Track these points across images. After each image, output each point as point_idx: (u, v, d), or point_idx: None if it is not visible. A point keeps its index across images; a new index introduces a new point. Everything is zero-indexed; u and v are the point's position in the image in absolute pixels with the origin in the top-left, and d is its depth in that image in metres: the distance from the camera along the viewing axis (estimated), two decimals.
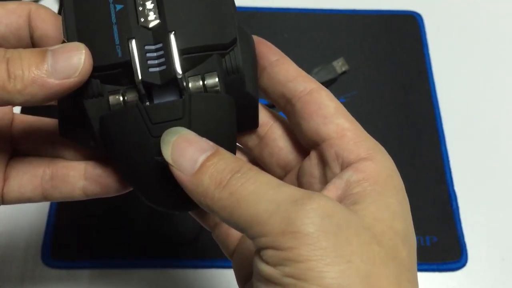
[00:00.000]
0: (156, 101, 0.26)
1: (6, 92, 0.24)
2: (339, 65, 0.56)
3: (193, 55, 0.26)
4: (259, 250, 0.23)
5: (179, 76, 0.25)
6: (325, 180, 0.27)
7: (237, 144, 0.29)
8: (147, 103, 0.25)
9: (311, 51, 0.57)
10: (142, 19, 0.26)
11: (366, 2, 0.61)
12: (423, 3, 0.61)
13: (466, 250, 0.48)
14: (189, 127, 0.25)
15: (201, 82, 0.26)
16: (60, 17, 0.28)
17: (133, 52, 0.25)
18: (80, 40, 0.25)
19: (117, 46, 0.25)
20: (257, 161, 0.30)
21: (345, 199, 0.24)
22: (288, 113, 0.28)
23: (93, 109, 0.26)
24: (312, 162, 0.28)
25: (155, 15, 0.26)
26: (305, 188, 0.27)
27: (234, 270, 0.29)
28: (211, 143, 0.24)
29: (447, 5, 0.62)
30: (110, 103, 0.26)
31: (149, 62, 0.25)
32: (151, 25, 0.26)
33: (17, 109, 0.46)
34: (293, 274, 0.21)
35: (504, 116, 0.55)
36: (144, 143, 0.25)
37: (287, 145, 0.29)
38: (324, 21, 0.59)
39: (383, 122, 0.54)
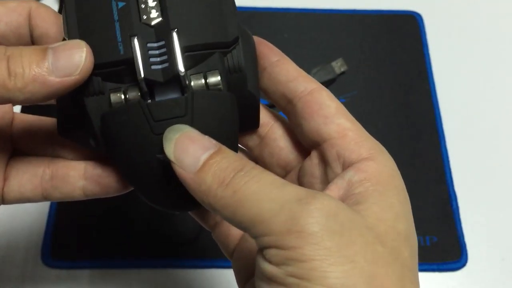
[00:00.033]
0: (157, 99, 0.26)
1: (6, 90, 0.24)
2: (338, 66, 0.56)
3: (195, 53, 0.26)
4: (262, 249, 0.22)
5: (182, 74, 0.25)
6: (326, 180, 0.27)
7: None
8: (149, 101, 0.25)
9: (311, 51, 0.57)
10: (145, 17, 0.26)
11: (366, 2, 0.61)
12: (423, 3, 0.61)
13: (466, 250, 0.48)
14: (192, 124, 0.25)
15: (203, 80, 0.26)
16: (60, 16, 0.28)
17: (135, 49, 0.25)
18: (81, 38, 0.25)
19: (119, 43, 0.25)
20: (257, 161, 0.30)
21: (347, 199, 0.24)
22: (288, 113, 0.28)
23: (94, 107, 0.26)
24: (313, 162, 0.28)
25: (157, 13, 0.26)
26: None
27: (234, 270, 0.29)
28: (213, 141, 0.24)
29: (447, 5, 0.62)
30: (112, 101, 0.26)
31: (151, 59, 0.25)
32: (153, 22, 0.26)
33: (17, 108, 0.46)
34: (297, 273, 0.21)
35: (504, 116, 0.55)
36: (146, 141, 0.25)
37: (287, 145, 0.29)
38: (324, 21, 0.59)
39: (383, 122, 0.54)
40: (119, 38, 0.25)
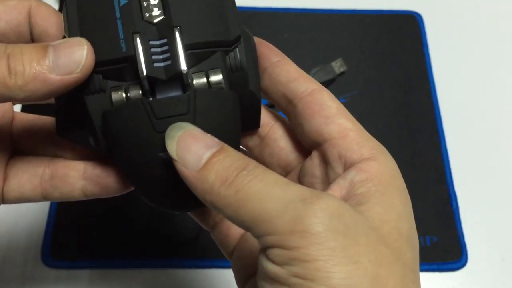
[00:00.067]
0: (159, 98, 0.26)
1: (7, 88, 0.23)
2: (338, 66, 0.56)
3: (198, 51, 0.26)
4: (264, 249, 0.22)
5: (185, 72, 0.25)
6: (327, 180, 0.27)
7: None
8: (151, 99, 0.25)
9: (311, 51, 0.57)
10: (147, 14, 0.25)
11: (366, 2, 0.61)
12: (423, 3, 0.61)
13: (466, 250, 0.48)
14: (194, 123, 0.25)
15: (205, 79, 0.26)
16: (60, 14, 0.28)
17: (137, 47, 0.25)
18: (82, 35, 0.25)
19: (121, 41, 0.25)
20: (257, 162, 0.30)
21: (350, 199, 0.24)
22: (289, 114, 0.28)
23: (94, 106, 0.26)
24: (313, 162, 0.27)
25: (159, 11, 0.26)
26: None
27: (233, 270, 0.29)
28: (216, 139, 0.24)
29: (447, 5, 0.62)
30: (113, 99, 0.25)
31: (154, 57, 0.25)
32: (156, 20, 0.25)
33: (17, 107, 0.46)
34: (300, 274, 0.21)
35: (504, 116, 0.55)
36: (148, 139, 0.25)
37: (288, 145, 0.29)
38: (324, 21, 0.59)
39: (383, 122, 0.54)
40: (121, 36, 0.25)
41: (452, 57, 0.58)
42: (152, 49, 0.25)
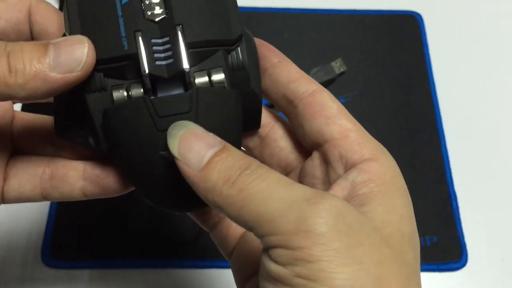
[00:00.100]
0: (161, 96, 0.25)
1: (7, 87, 0.23)
2: (337, 66, 0.56)
3: (199, 49, 0.25)
4: (267, 249, 0.22)
5: (187, 70, 0.25)
6: (327, 181, 0.27)
7: None
8: (152, 97, 0.25)
9: (311, 51, 0.57)
10: (149, 13, 0.25)
11: (366, 2, 0.61)
12: (423, 3, 0.61)
13: (466, 250, 0.48)
14: (196, 121, 0.25)
15: (207, 78, 0.26)
16: (60, 13, 0.28)
17: (139, 45, 0.25)
18: (83, 33, 0.25)
19: (123, 39, 0.25)
20: None
21: (352, 200, 0.24)
22: (289, 114, 0.28)
23: (95, 104, 0.26)
24: (314, 163, 0.27)
25: (161, 9, 0.26)
26: None
27: (232, 271, 0.29)
28: (218, 138, 0.24)
29: (447, 5, 0.62)
30: (114, 97, 0.25)
31: (156, 55, 0.25)
32: (158, 19, 0.25)
33: (17, 106, 0.46)
34: (304, 274, 0.21)
35: (504, 116, 0.55)
36: (150, 137, 0.25)
37: (288, 145, 0.29)
38: (324, 21, 0.59)
39: (383, 122, 0.54)
40: (123, 34, 0.25)
41: (452, 57, 0.58)
42: (154, 47, 0.25)
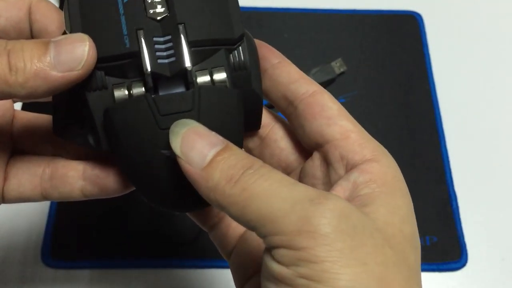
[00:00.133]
0: (162, 94, 0.25)
1: (7, 86, 0.23)
2: (337, 66, 0.56)
3: (201, 48, 0.25)
4: (270, 249, 0.22)
5: (189, 68, 0.25)
6: (328, 182, 0.27)
7: None
8: (154, 95, 0.25)
9: (311, 51, 0.57)
10: (151, 11, 0.25)
11: (366, 2, 0.61)
12: (423, 3, 0.61)
13: (466, 250, 0.48)
14: (198, 120, 0.25)
15: (208, 77, 0.26)
16: (61, 11, 0.28)
17: (142, 43, 0.25)
18: (84, 31, 0.25)
19: (125, 37, 0.25)
20: None
21: (353, 201, 0.24)
22: (289, 115, 0.28)
23: (96, 102, 0.25)
24: (314, 164, 0.27)
25: (163, 8, 0.26)
26: None
27: (231, 271, 0.29)
28: (220, 137, 0.24)
29: (447, 5, 0.62)
30: (115, 96, 0.25)
31: (158, 53, 0.25)
32: (160, 17, 0.25)
33: (18, 105, 0.46)
34: (307, 275, 0.21)
35: (504, 116, 0.55)
36: (151, 136, 0.25)
37: (288, 146, 0.29)
38: (324, 21, 0.59)
39: (383, 122, 0.54)
40: (124, 32, 0.25)
41: (452, 57, 0.58)
42: (156, 46, 0.25)
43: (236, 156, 0.23)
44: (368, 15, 0.60)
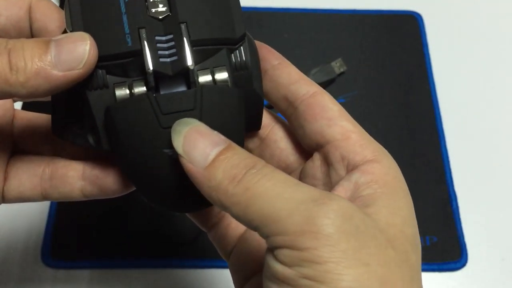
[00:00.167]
0: (164, 93, 0.25)
1: (8, 85, 0.23)
2: (337, 66, 0.56)
3: (203, 47, 0.25)
4: (272, 249, 0.22)
5: (192, 67, 0.25)
6: (329, 182, 0.27)
7: None
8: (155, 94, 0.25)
9: (311, 51, 0.57)
10: (153, 10, 0.25)
11: (366, 2, 0.61)
12: (423, 3, 0.61)
13: (466, 250, 0.48)
14: (200, 119, 0.24)
15: (210, 76, 0.26)
16: (61, 10, 0.28)
17: (144, 41, 0.25)
18: (86, 30, 0.25)
19: (127, 35, 0.25)
20: None
21: (355, 201, 0.24)
22: (289, 116, 0.28)
23: (97, 101, 0.25)
24: (315, 164, 0.27)
25: (165, 7, 0.26)
26: None
27: (231, 272, 0.29)
28: (222, 137, 0.24)
29: (447, 5, 0.62)
30: (116, 95, 0.25)
31: (160, 52, 0.25)
32: (161, 16, 0.25)
33: (18, 104, 0.46)
34: (310, 275, 0.21)
35: (504, 116, 0.55)
36: (153, 135, 0.25)
37: (288, 146, 0.29)
38: (324, 21, 0.59)
39: (383, 122, 0.54)
40: (126, 30, 0.25)
41: (452, 57, 0.58)
42: (158, 45, 0.25)
43: (238, 155, 0.23)
44: (368, 15, 0.60)
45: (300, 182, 0.23)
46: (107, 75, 0.25)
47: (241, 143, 0.26)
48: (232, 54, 0.26)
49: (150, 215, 0.48)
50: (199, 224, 0.31)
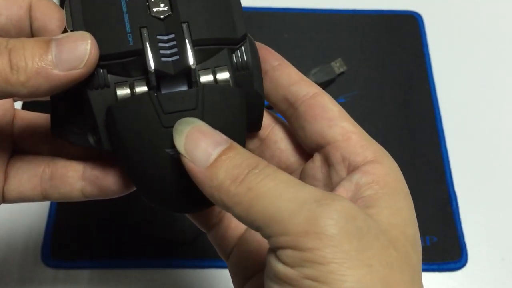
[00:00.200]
0: (165, 92, 0.25)
1: (9, 85, 0.23)
2: (337, 66, 0.56)
3: (204, 47, 0.25)
4: (275, 250, 0.22)
5: (193, 67, 0.25)
6: (329, 183, 0.27)
7: None
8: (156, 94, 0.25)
9: (311, 51, 0.57)
10: (154, 10, 0.25)
11: (366, 2, 0.61)
12: (423, 3, 0.61)
13: (466, 250, 0.48)
14: (202, 118, 0.24)
15: (212, 76, 0.26)
16: (61, 9, 0.28)
17: (145, 40, 0.25)
18: (87, 29, 0.25)
19: (128, 35, 0.25)
20: None
21: (357, 202, 0.24)
22: (290, 117, 0.28)
23: (98, 101, 0.25)
24: (315, 165, 0.27)
25: (166, 7, 0.26)
26: None
27: (230, 272, 0.29)
28: (224, 136, 0.24)
29: (447, 5, 0.62)
30: (118, 94, 0.25)
31: (161, 51, 0.25)
32: (163, 16, 0.25)
33: (18, 104, 0.46)
34: (313, 276, 0.21)
35: (504, 116, 0.55)
36: (155, 134, 0.25)
37: (288, 147, 0.29)
38: (324, 21, 0.59)
39: (383, 122, 0.54)
40: (128, 29, 0.25)
41: (452, 57, 0.58)
42: (160, 44, 0.25)
43: (241, 155, 0.23)
44: (368, 15, 0.60)
45: (302, 182, 0.23)
46: (108, 75, 0.25)
47: (242, 143, 0.26)
48: (233, 54, 0.26)
49: (150, 215, 0.48)
50: (198, 225, 0.31)
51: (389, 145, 0.27)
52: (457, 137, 0.53)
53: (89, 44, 0.24)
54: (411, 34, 0.59)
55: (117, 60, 0.25)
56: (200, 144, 0.23)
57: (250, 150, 0.30)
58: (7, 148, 0.30)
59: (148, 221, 0.48)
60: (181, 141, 0.23)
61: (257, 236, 0.28)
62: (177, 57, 0.25)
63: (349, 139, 0.26)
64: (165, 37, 0.25)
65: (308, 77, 0.29)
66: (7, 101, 0.31)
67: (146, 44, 0.25)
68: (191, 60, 0.25)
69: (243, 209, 0.22)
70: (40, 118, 0.31)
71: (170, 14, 0.25)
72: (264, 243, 0.26)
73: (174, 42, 0.25)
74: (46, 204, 0.48)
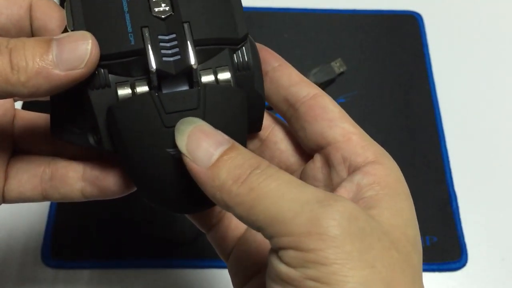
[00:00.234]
0: (167, 92, 0.25)
1: (9, 85, 0.23)
2: (337, 66, 0.56)
3: (206, 47, 0.25)
4: (277, 250, 0.22)
5: (195, 67, 0.25)
6: (330, 184, 0.27)
7: None
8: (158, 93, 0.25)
9: (311, 51, 0.57)
10: (156, 9, 0.25)
11: (366, 2, 0.61)
12: (423, 3, 0.61)
13: (466, 250, 0.48)
14: (203, 118, 0.24)
15: (213, 76, 0.26)
16: (61, 9, 0.28)
17: (147, 40, 0.25)
18: (88, 29, 0.24)
19: (129, 34, 0.25)
20: None
21: (358, 203, 0.24)
22: (290, 118, 0.28)
23: (98, 101, 0.25)
24: (315, 166, 0.27)
25: (167, 7, 0.26)
26: None
27: (230, 273, 0.29)
28: (226, 136, 0.24)
29: (447, 5, 0.62)
30: (119, 94, 0.25)
31: (163, 51, 0.25)
32: (164, 15, 0.25)
33: (18, 104, 0.46)
34: (316, 276, 0.21)
35: (504, 116, 0.55)
36: (156, 134, 0.24)
37: (288, 148, 0.29)
38: (324, 21, 0.59)
39: (383, 122, 0.54)
40: (129, 29, 0.25)
41: (452, 57, 0.58)
42: (161, 44, 0.25)
43: (242, 155, 0.23)
44: (368, 15, 0.60)
45: (304, 183, 0.23)
46: (109, 75, 0.25)
47: (243, 143, 0.26)
48: (234, 54, 0.26)
49: (150, 215, 0.48)
50: (198, 225, 0.31)
51: (389, 145, 0.27)
52: (457, 137, 0.53)
53: (90, 44, 0.24)
54: (411, 34, 0.59)
55: (118, 60, 0.25)
56: (202, 144, 0.23)
57: (250, 150, 0.30)
58: (7, 148, 0.30)
59: (148, 221, 0.48)
60: (183, 140, 0.23)
61: (257, 237, 0.28)
62: (178, 57, 0.25)
63: (349, 139, 0.26)
64: (166, 37, 0.25)
65: (308, 77, 0.29)
66: (8, 101, 0.30)
67: (147, 44, 0.25)
68: (192, 60, 0.25)
69: (245, 209, 0.22)
70: (40, 118, 0.31)
71: (171, 14, 0.25)
72: (264, 243, 0.26)
73: (175, 42, 0.25)
74: (46, 205, 0.48)
